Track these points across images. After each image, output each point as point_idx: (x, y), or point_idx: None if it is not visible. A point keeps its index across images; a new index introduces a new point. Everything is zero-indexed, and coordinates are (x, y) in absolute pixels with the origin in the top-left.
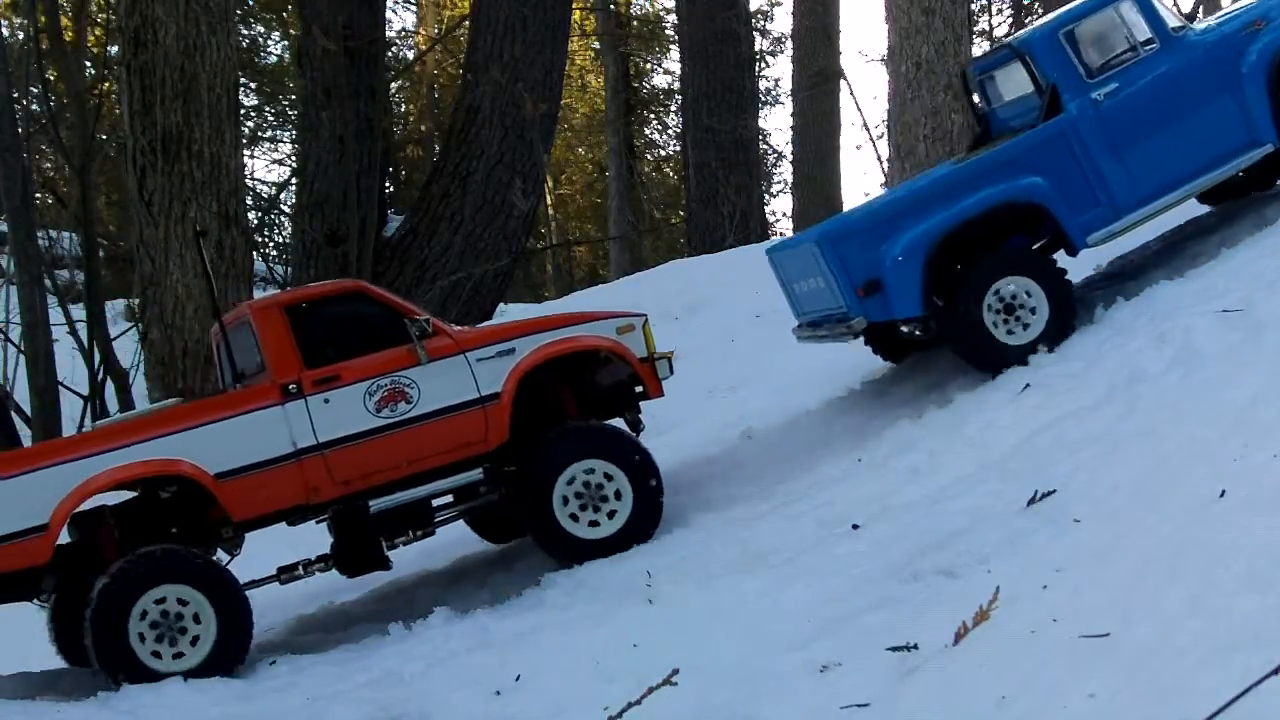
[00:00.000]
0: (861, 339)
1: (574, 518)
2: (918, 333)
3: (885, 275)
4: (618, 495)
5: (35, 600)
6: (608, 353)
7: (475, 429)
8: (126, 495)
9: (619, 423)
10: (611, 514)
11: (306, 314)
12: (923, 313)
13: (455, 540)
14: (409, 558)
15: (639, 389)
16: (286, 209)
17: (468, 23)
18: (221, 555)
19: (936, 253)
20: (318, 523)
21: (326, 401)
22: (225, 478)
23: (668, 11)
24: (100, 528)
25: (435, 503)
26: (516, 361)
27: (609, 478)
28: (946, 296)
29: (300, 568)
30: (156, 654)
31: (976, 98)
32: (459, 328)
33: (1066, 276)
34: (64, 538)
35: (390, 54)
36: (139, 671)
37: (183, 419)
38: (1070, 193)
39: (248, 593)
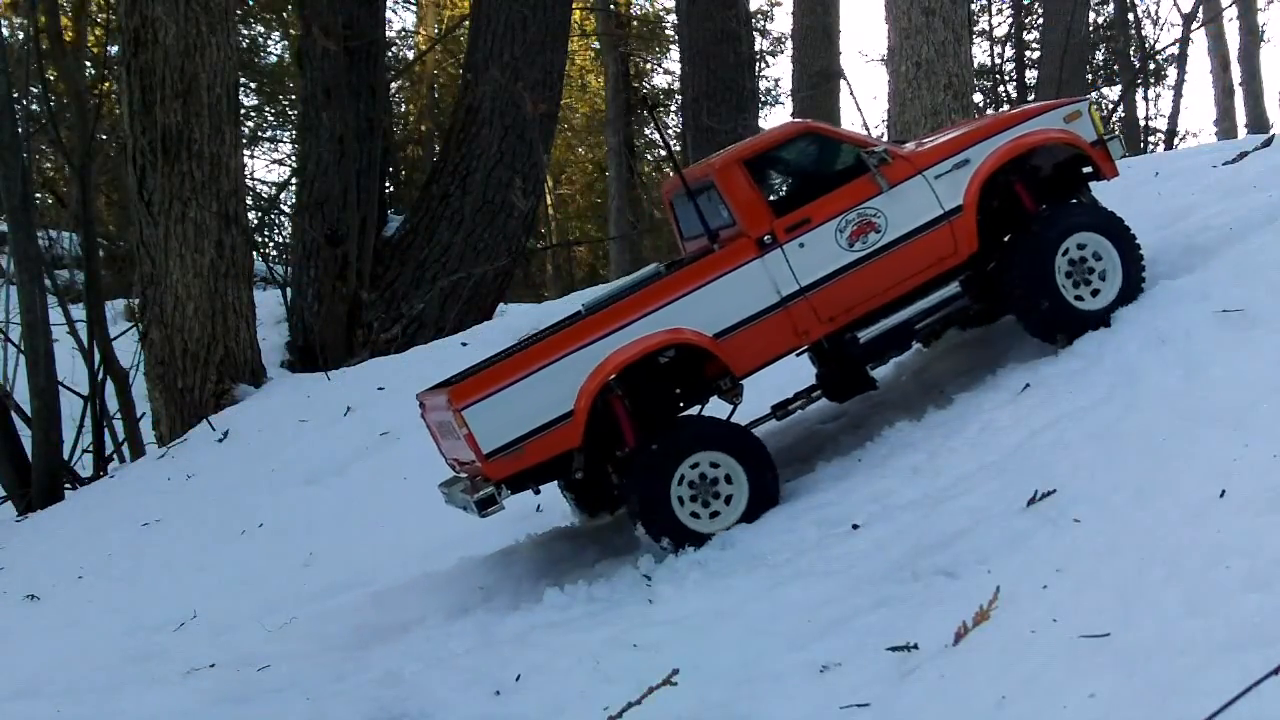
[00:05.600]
0: None
1: (1079, 299)
2: None
3: None
4: (1100, 259)
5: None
6: (1061, 144)
7: (945, 245)
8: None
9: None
10: (1104, 275)
11: (766, 164)
12: None
13: (455, 540)
14: (409, 558)
15: (1087, 169)
16: (286, 209)
17: (468, 23)
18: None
19: None
20: (797, 355)
21: (801, 246)
22: (722, 336)
23: (668, 11)
24: (609, 399)
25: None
26: (973, 171)
27: (1090, 248)
28: None
29: (793, 402)
30: (695, 515)
31: None
32: (910, 146)
33: None
34: None
35: (390, 54)
36: (681, 532)
37: (673, 289)
38: None
39: None
